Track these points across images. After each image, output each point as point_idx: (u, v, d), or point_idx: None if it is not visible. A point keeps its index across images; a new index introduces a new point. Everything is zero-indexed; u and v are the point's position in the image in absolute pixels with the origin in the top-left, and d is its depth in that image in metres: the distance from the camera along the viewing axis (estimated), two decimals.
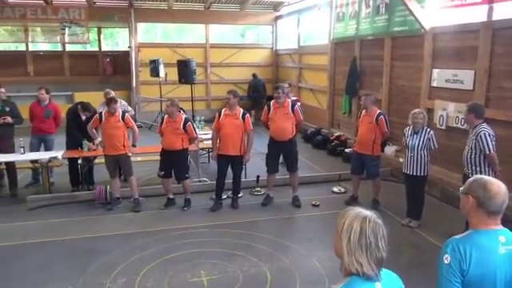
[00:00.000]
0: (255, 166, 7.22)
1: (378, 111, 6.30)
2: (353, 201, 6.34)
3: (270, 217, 6.19)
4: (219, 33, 15.61)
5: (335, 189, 7.22)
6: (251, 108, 12.46)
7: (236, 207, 6.43)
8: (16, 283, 4.32)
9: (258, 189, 7.08)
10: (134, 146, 6.48)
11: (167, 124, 6.25)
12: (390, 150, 8.16)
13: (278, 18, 14.97)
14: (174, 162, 6.30)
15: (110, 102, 6.27)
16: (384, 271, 1.65)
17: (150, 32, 15.86)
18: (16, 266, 4.67)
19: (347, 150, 8.96)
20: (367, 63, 9.36)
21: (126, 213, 6.25)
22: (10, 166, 6.93)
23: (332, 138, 10.16)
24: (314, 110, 11.96)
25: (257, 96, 13.52)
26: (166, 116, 6.38)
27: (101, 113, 6.37)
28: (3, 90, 7.00)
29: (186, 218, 6.06)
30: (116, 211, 6.29)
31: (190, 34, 15.83)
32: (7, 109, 6.89)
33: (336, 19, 10.48)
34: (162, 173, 6.35)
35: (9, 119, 6.80)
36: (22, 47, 15.02)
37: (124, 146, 6.25)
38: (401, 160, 6.21)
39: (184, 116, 6.41)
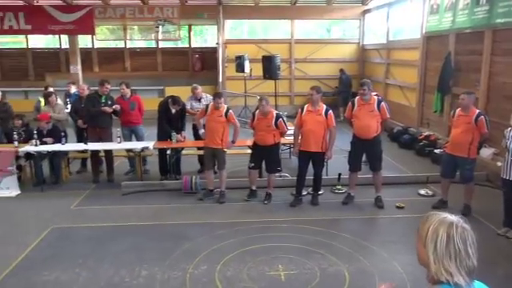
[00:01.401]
0: (337, 163, 7.09)
1: (478, 111, 5.81)
2: (441, 205, 5.95)
3: (351, 216, 6.04)
4: (304, 28, 15.52)
5: (422, 191, 6.84)
6: (341, 105, 12.21)
7: (316, 204, 6.38)
8: (110, 261, 4.71)
9: (339, 187, 6.95)
10: (233, 142, 6.65)
11: (259, 121, 6.38)
12: (486, 152, 7.51)
13: (365, 11, 14.49)
14: (265, 156, 6.45)
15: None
16: (476, 283, 1.53)
17: (236, 29, 16.27)
18: (111, 245, 5.09)
19: (437, 151, 8.43)
20: (463, 58, 8.70)
21: (211, 203, 6.50)
22: (109, 153, 7.56)
23: (420, 137, 9.62)
24: (401, 108, 11.41)
25: (344, 92, 13.18)
26: (257, 112, 6.50)
27: (207, 105, 6.68)
28: (109, 86, 7.53)
29: (266, 212, 6.14)
30: (206, 202, 6.52)
31: (276, 29, 15.94)
32: (109, 102, 7.49)
33: (429, 12, 9.88)
34: (252, 165, 6.50)
35: (117, 106, 7.37)
36: (121, 44, 16.29)
37: (222, 140, 6.43)
38: (499, 164, 5.70)
39: (275, 113, 6.48)
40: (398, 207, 6.22)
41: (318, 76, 14.15)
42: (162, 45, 16.12)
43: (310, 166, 6.35)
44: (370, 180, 6.56)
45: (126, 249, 4.99)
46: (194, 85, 7.96)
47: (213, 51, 14.97)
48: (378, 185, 6.36)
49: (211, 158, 6.62)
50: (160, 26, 14.24)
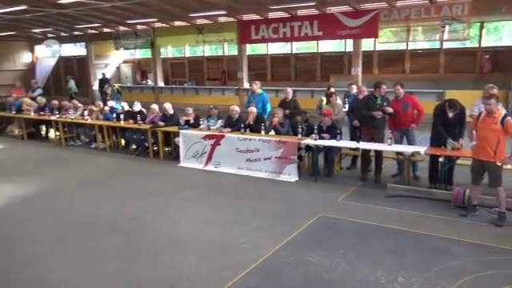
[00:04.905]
0: None
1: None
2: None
3: None
4: None
5: None
6: None
7: None
8: (369, 259, 4.77)
9: None
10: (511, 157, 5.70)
11: None
12: None
13: None
14: None
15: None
16: None
17: None
18: (371, 243, 5.17)
19: None
20: None
21: (483, 223, 5.73)
22: (378, 154, 7.67)
23: None
24: None
25: None
26: None
27: (481, 112, 5.99)
28: (385, 87, 7.59)
29: None
30: (470, 218, 5.87)
31: None
32: (384, 103, 7.53)
33: None
34: None
35: (389, 109, 7.41)
36: (402, 46, 16.16)
37: (495, 152, 5.61)
38: None
39: None
40: None
41: None
42: (446, 45, 15.13)
43: None
44: None
45: (385, 250, 4.97)
46: (490, 85, 6.81)
47: (508, 51, 13.01)
48: None
49: (479, 172, 5.84)
50: (447, 26, 13.39)
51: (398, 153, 7.62)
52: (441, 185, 7.02)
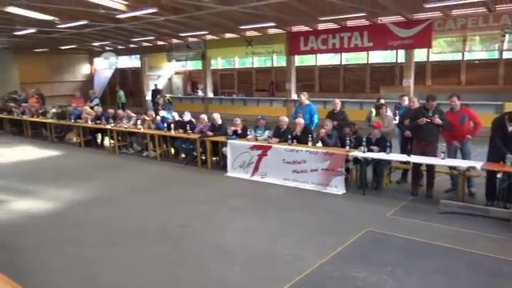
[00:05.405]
0: None
1: None
2: None
3: None
4: None
5: None
6: None
7: None
8: (418, 277, 4.59)
9: None
10: None
11: None
12: None
13: None
14: None
15: None
16: None
17: None
18: (420, 261, 4.96)
19: None
20: None
21: None
22: (430, 168, 7.38)
23: None
24: None
25: None
26: None
27: None
28: (434, 103, 7.18)
29: None
30: None
31: None
32: (436, 116, 7.26)
33: None
34: None
35: (437, 120, 7.13)
36: (457, 57, 15.55)
37: None
38: None
39: None
40: None
41: None
42: (506, 55, 14.39)
43: None
44: None
45: (435, 269, 4.75)
46: None
47: None
48: None
49: None
50: (507, 35, 12.77)
51: (452, 167, 7.30)
52: (499, 202, 6.64)
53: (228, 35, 19.63)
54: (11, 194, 8.21)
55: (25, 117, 16.09)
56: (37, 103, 17.94)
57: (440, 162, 7.09)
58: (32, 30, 16.74)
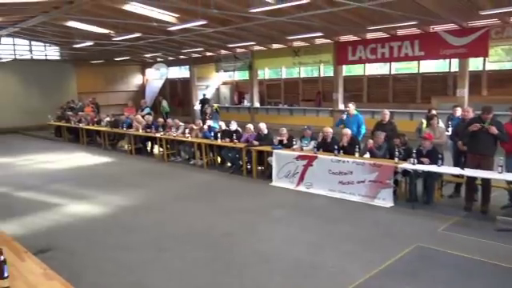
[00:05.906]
0: None
1: None
2: None
3: None
4: None
5: None
6: None
7: None
8: None
9: None
10: None
11: None
12: None
13: None
14: None
15: None
16: None
17: None
18: (474, 280, 4.68)
19: None
20: None
21: None
22: (486, 182, 6.99)
23: None
24: None
25: None
26: None
27: None
28: (490, 116, 6.82)
29: None
30: None
31: None
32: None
33: None
34: None
35: (493, 128, 6.77)
36: None
37: None
38: None
39: None
40: None
41: None
42: None
43: None
44: None
45: None
46: None
47: None
48: None
49: None
50: None
51: (510, 182, 6.87)
52: None
53: (275, 46, 19.75)
54: (67, 198, 8.63)
55: (81, 125, 16.95)
56: (92, 112, 18.83)
57: (497, 175, 6.70)
58: (89, 43, 17.66)
